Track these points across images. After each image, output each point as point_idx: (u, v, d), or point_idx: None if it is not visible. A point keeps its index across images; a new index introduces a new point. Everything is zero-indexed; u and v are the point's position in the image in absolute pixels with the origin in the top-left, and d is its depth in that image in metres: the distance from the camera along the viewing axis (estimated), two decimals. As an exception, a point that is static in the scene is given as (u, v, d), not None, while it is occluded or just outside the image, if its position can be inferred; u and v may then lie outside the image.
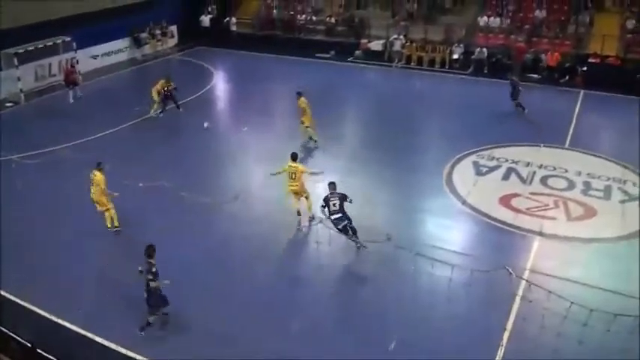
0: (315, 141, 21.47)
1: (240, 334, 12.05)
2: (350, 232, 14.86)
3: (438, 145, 21.81)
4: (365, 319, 12.49)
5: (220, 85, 31.14)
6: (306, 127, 21.49)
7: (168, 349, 11.75)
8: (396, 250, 13.98)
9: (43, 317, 12.70)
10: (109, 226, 15.92)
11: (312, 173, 16.67)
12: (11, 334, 11.08)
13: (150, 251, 11.84)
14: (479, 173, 19.16)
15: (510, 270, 12.99)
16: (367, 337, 12.00)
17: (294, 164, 16.07)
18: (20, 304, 13.05)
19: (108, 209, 15.83)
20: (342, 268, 14.44)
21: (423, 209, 17.43)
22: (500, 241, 15.42)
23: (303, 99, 21.42)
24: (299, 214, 16.47)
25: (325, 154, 21.06)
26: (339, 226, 14.78)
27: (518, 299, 12.72)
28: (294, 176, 15.98)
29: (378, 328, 12.21)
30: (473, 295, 12.99)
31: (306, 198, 16.43)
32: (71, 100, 27.10)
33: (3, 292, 13.49)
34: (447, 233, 15.91)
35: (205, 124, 23.50)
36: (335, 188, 15.17)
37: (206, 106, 27.25)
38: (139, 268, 11.85)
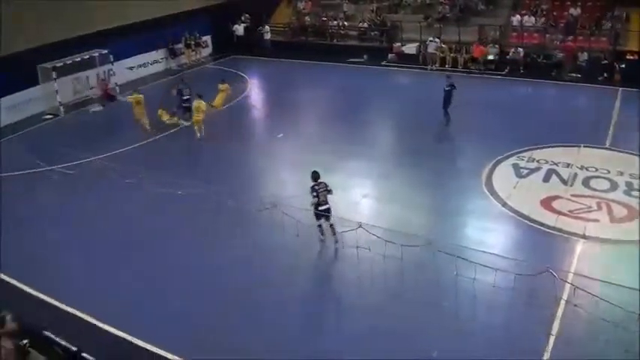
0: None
1: (278, 345, 12.08)
2: (332, 228, 15.35)
3: (476, 147, 21.52)
4: (406, 325, 12.38)
5: (255, 92, 31.37)
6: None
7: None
8: (437, 254, 13.85)
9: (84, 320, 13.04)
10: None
11: None
12: (57, 339, 11.29)
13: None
14: (519, 175, 18.91)
15: (554, 273, 12.76)
16: (410, 344, 11.87)
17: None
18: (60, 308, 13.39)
19: None
20: (381, 274, 14.25)
21: (463, 212, 17.28)
22: (542, 244, 15.17)
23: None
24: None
25: (362, 157, 21.11)
26: (327, 219, 15.20)
27: (562, 303, 12.45)
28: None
29: (420, 335, 12.12)
30: (516, 300, 12.77)
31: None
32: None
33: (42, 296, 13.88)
34: (488, 236, 15.74)
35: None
36: (318, 178, 15.34)
37: (241, 113, 27.54)
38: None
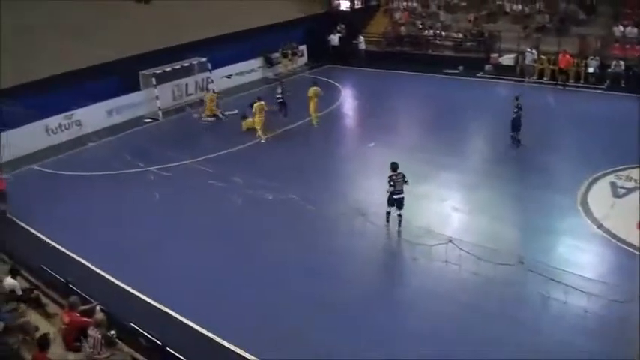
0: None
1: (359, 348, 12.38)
2: (399, 218, 16.62)
3: (572, 164, 21.09)
4: (493, 347, 12.27)
5: (348, 101, 31.82)
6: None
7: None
8: (527, 273, 13.70)
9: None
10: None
11: None
12: (142, 331, 11.98)
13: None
14: (616, 195, 18.39)
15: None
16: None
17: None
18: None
19: None
20: (469, 291, 14.28)
21: (555, 230, 16.95)
22: (637, 269, 14.59)
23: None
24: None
25: (453, 168, 21.18)
26: (395, 205, 16.48)
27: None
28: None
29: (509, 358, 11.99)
30: (608, 326, 12.51)
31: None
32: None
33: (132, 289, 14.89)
34: (581, 258, 15.36)
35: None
36: (397, 169, 16.54)
37: (334, 122, 28.04)
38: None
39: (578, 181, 19.18)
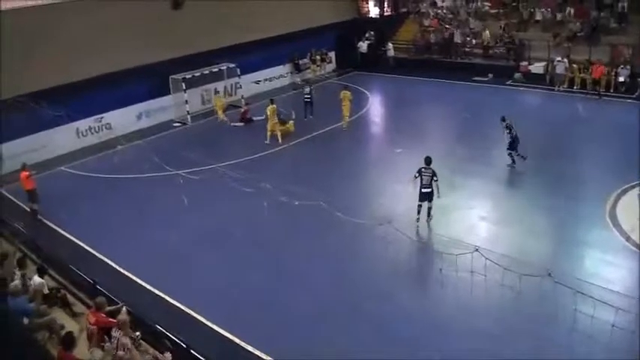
0: None
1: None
2: (429, 209, 17.54)
3: (601, 175, 20.70)
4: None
5: (376, 108, 31.83)
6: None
7: None
8: (555, 285, 13.51)
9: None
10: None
11: None
12: (167, 333, 12.11)
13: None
14: (645, 207, 18.06)
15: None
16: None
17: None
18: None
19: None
20: (496, 302, 14.16)
21: (583, 242, 16.75)
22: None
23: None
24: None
25: (481, 176, 21.11)
26: (425, 200, 17.30)
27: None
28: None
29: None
30: (636, 341, 12.24)
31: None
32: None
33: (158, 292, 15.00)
34: (609, 271, 15.06)
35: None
36: (430, 163, 17.29)
37: (361, 128, 28.09)
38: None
39: (607, 192, 18.90)
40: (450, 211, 18.37)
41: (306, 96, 28.28)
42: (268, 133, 25.71)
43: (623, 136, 23.99)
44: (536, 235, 17.03)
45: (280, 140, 25.60)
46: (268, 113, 25.61)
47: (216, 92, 31.20)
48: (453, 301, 14.51)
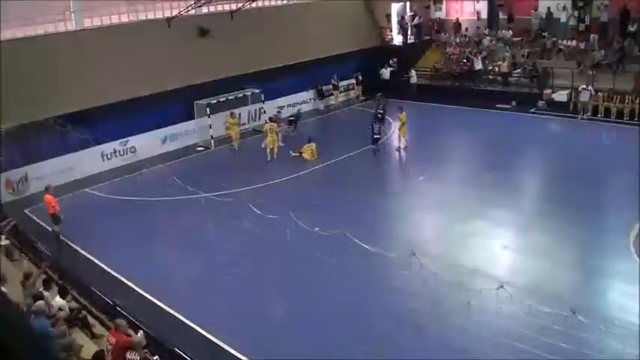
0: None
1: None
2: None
3: (625, 204, 20.26)
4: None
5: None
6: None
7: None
8: (580, 322, 13.17)
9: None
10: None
11: None
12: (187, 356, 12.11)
13: None
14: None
15: None
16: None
17: None
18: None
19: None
20: (519, 337, 13.75)
21: (607, 273, 16.47)
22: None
23: None
24: None
25: (504, 205, 20.87)
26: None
27: None
28: None
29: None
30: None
31: None
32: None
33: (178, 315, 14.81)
34: (635, 304, 14.59)
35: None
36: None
37: (384, 155, 28.05)
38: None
39: (631, 223, 18.59)
40: (473, 240, 18.28)
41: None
42: (267, 150, 26.73)
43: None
44: (558, 265, 16.81)
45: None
46: (267, 130, 27.08)
47: (232, 114, 30.09)
48: (475, 336, 14.00)
